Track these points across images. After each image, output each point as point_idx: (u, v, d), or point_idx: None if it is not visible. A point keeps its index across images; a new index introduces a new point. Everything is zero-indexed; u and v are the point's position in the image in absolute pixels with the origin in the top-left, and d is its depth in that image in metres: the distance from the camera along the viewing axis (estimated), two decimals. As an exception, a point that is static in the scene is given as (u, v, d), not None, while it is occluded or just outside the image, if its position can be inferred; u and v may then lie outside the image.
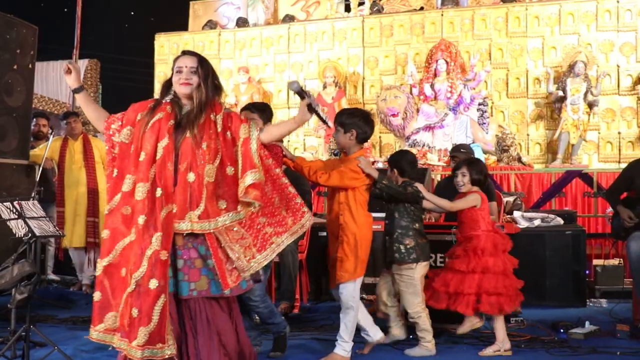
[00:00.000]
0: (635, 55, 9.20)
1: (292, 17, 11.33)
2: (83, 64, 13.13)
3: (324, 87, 10.11)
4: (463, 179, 4.24)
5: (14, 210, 3.79)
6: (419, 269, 4.09)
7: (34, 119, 6.76)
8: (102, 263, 2.92)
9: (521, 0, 10.02)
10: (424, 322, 4.08)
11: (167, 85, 3.16)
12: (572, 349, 4.09)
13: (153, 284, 2.79)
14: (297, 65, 10.82)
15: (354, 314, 3.87)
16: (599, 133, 9.21)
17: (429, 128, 9.16)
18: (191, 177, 2.95)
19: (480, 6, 10.28)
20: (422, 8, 10.96)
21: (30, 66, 6.32)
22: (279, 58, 10.98)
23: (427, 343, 4.06)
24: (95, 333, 2.93)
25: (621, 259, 5.72)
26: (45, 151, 5.78)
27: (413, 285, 4.07)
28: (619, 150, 9.11)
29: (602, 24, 9.35)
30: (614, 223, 4.98)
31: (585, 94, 8.80)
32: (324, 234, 6.07)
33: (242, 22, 11.48)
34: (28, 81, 6.35)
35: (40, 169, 5.56)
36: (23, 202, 3.86)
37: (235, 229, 3.02)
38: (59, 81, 13.29)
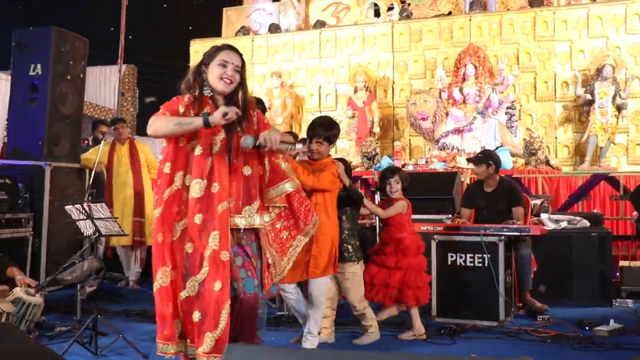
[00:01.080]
0: (664, 58, 9.30)
1: (322, 22, 11.62)
2: (121, 69, 13.60)
3: (355, 91, 10.38)
4: (397, 186, 4.72)
5: (83, 212, 4.15)
6: (361, 266, 4.54)
7: (96, 126, 7.14)
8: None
9: (549, 5, 10.19)
10: (370, 312, 4.50)
11: (200, 72, 3.05)
12: (596, 345, 4.32)
13: (217, 286, 2.79)
14: (328, 70, 11.12)
15: (322, 310, 4.20)
16: (628, 136, 9.33)
17: (457, 131, 9.37)
18: (247, 170, 2.97)
19: (508, 11, 10.46)
20: (450, 13, 11.18)
21: (81, 76, 6.76)
22: (311, 63, 11.27)
23: (374, 330, 4.50)
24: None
25: (646, 261, 5.90)
26: (97, 155, 6.15)
27: (357, 281, 4.47)
28: (649, 153, 9.23)
29: (631, 27, 9.46)
30: (638, 225, 5.20)
31: (614, 97, 8.92)
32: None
33: (274, 28, 11.80)
34: (79, 90, 6.78)
35: (93, 172, 5.93)
36: (92, 204, 4.22)
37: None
38: (98, 86, 13.80)
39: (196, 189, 2.88)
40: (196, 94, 3.03)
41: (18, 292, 4.18)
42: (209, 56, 3.06)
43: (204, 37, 12.18)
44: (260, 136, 2.96)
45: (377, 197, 5.46)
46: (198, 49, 11.98)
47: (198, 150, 2.93)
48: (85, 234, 4.35)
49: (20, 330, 2.23)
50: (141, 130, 13.64)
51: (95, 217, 4.16)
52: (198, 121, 2.88)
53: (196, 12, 14.27)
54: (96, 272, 3.82)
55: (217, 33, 12.70)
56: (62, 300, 5.46)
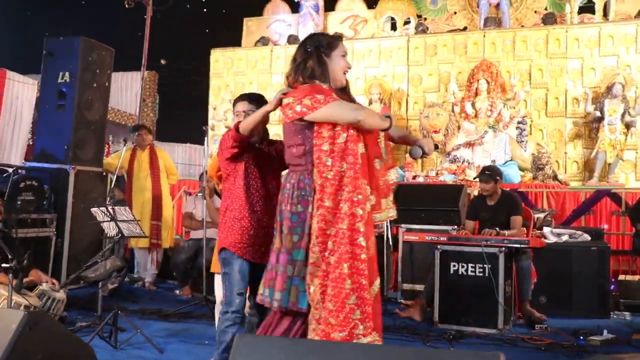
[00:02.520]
0: (674, 77, 9.45)
1: (340, 34, 11.89)
2: (143, 76, 13.98)
3: (370, 103, 10.61)
4: None
5: (108, 214, 4.45)
6: None
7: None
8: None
9: (562, 23, 10.39)
10: None
11: (323, 61, 3.00)
12: (587, 353, 4.51)
13: (377, 284, 2.87)
14: (344, 82, 11.36)
15: None
16: (637, 152, 9.48)
17: (469, 145, 9.59)
18: (378, 163, 2.97)
19: (521, 28, 10.68)
20: (465, 28, 11.42)
21: (107, 84, 7.08)
22: (328, 74, 11.53)
23: None
24: None
25: (644, 275, 6.08)
26: (119, 160, 6.47)
27: None
28: (659, 169, 9.37)
29: (642, 46, 9.64)
30: (635, 240, 5.40)
31: (623, 115, 9.09)
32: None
33: (292, 39, 12.08)
34: (104, 97, 7.11)
35: (115, 176, 6.23)
36: (116, 207, 4.52)
37: None
38: (120, 91, 14.18)
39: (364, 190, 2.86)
40: (326, 86, 2.97)
41: (44, 286, 4.48)
42: (328, 45, 3.03)
43: (224, 46, 12.53)
44: (426, 145, 3.14)
45: None
46: (218, 57, 12.31)
47: (362, 148, 2.91)
48: (108, 235, 4.65)
49: (53, 319, 2.51)
50: (161, 136, 13.99)
51: (119, 219, 4.46)
52: (385, 122, 2.93)
53: (217, 22, 14.62)
54: (118, 270, 4.11)
55: (237, 42, 13.02)
56: (82, 298, 5.76)
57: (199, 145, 14.15)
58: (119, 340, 4.19)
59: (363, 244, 2.79)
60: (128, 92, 13.98)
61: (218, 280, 3.84)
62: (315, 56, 3.02)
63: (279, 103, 3.05)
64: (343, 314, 2.71)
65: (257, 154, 3.45)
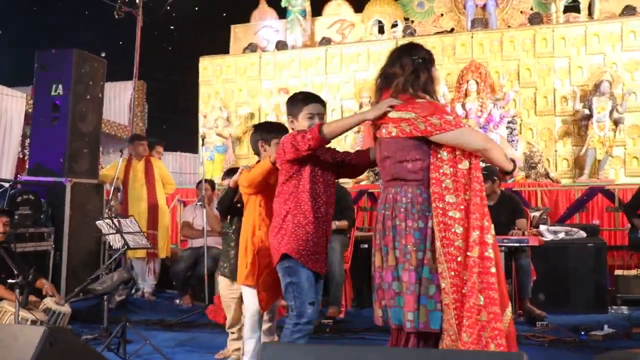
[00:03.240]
0: (660, 73, 9.59)
1: (328, 39, 11.95)
2: (130, 85, 13.95)
3: (360, 106, 10.66)
4: None
5: (114, 226, 4.46)
6: None
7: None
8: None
9: (548, 22, 10.51)
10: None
11: (433, 77, 3.00)
12: (590, 348, 4.60)
13: (509, 312, 2.87)
14: (334, 86, 11.43)
15: None
16: (625, 149, 9.60)
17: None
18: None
19: (508, 28, 10.79)
20: (452, 30, 11.51)
21: (100, 95, 7.09)
22: (317, 79, 11.59)
23: None
24: None
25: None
26: (115, 171, 6.47)
27: None
28: (645, 165, 9.50)
29: (627, 44, 9.75)
30: (631, 236, 5.48)
31: (611, 112, 9.21)
32: (366, 245, 6.70)
33: (281, 45, 12.12)
34: (98, 109, 7.11)
35: (113, 187, 6.23)
36: (122, 219, 4.53)
37: None
38: (109, 102, 14.12)
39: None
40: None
41: (48, 302, 4.48)
42: (431, 59, 3.02)
43: (212, 53, 12.54)
44: None
45: None
46: (207, 65, 12.32)
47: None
48: (114, 247, 4.66)
49: (71, 333, 2.52)
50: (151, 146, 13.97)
51: (125, 231, 4.47)
52: (510, 164, 2.91)
53: (205, 29, 14.62)
54: (125, 282, 4.12)
55: (225, 50, 13.04)
56: (83, 310, 5.76)
57: (189, 154, 14.18)
58: (128, 352, 4.20)
59: (493, 271, 2.78)
60: (117, 102, 13.94)
61: (247, 292, 3.77)
62: (425, 69, 2.99)
63: (384, 114, 2.96)
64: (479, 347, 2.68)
65: (319, 158, 3.32)
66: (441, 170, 2.83)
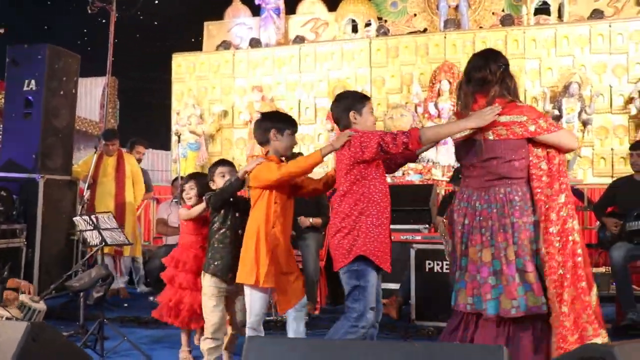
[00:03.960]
0: (626, 76, 9.81)
1: (302, 38, 11.98)
2: (102, 81, 13.79)
3: (334, 105, 10.71)
4: (190, 192, 4.37)
5: (91, 222, 4.43)
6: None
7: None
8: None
9: (519, 24, 10.69)
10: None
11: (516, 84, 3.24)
12: (562, 343, 4.69)
13: (595, 291, 3.19)
14: (308, 85, 11.46)
15: None
16: (593, 149, 9.82)
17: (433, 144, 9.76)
18: None
19: (480, 29, 10.95)
20: (425, 30, 11.64)
21: (73, 91, 7.01)
22: (291, 77, 11.61)
23: None
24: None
25: (608, 267, 6.31)
26: (88, 167, 6.38)
27: None
28: (612, 165, 9.71)
29: (595, 47, 9.98)
30: (600, 234, 5.62)
31: (580, 113, 9.41)
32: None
33: (254, 42, 12.11)
34: (71, 104, 7.03)
35: (87, 184, 6.16)
36: (99, 216, 4.49)
37: None
38: (79, 98, 13.94)
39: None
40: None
41: (24, 298, 4.43)
42: (508, 63, 3.23)
43: (185, 50, 12.48)
44: None
45: None
46: (180, 62, 12.26)
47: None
48: (91, 244, 4.62)
49: (54, 329, 2.52)
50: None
51: (102, 227, 4.45)
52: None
53: (178, 26, 14.52)
54: (103, 279, 4.10)
55: (198, 47, 12.98)
56: (56, 307, 5.69)
57: (161, 151, 14.05)
58: (105, 349, 4.18)
59: (580, 251, 3.13)
60: (88, 98, 13.78)
61: (252, 293, 3.59)
62: (510, 75, 3.21)
63: (491, 120, 3.10)
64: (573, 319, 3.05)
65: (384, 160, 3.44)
66: (539, 166, 3.14)
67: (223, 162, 4.13)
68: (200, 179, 4.36)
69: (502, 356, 1.91)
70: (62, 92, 6.80)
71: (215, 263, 3.86)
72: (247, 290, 3.59)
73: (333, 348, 2.04)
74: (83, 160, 7.27)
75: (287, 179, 3.49)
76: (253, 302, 3.56)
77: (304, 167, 3.42)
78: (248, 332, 3.60)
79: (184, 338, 4.35)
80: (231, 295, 3.94)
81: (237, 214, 3.90)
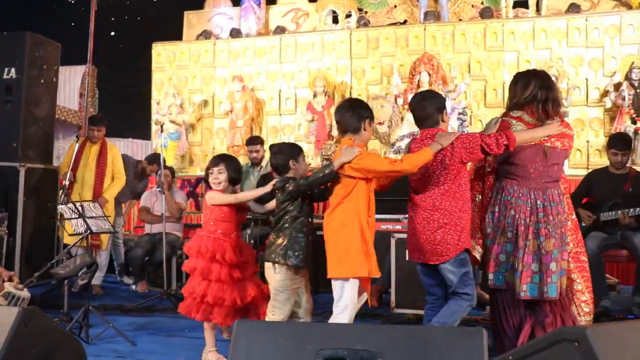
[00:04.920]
0: (602, 69, 9.97)
1: (283, 28, 11.98)
2: (81, 70, 13.69)
3: (314, 95, 10.77)
4: (220, 176, 4.21)
5: (76, 210, 4.45)
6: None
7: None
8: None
9: (498, 17, 10.81)
10: None
11: None
12: (537, 330, 4.83)
13: None
14: (288, 75, 11.49)
15: None
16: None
17: (412, 135, 9.85)
18: None
19: (460, 21, 11.05)
20: (405, 21, 11.72)
21: (54, 80, 6.97)
22: (272, 67, 11.63)
23: None
24: None
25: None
26: (72, 156, 6.36)
27: None
28: (588, 157, 9.89)
29: (572, 40, 10.13)
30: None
31: (557, 105, 9.55)
32: (321, 233, 6.83)
33: (235, 33, 12.09)
34: (52, 93, 7.00)
35: (69, 173, 6.15)
36: (85, 204, 4.51)
37: None
38: (59, 86, 13.82)
39: None
40: None
41: (8, 286, 4.43)
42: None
43: (165, 39, 12.41)
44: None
45: None
46: (160, 52, 12.19)
47: None
48: (76, 232, 4.64)
49: (45, 315, 2.56)
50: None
51: (87, 215, 4.47)
52: None
53: (157, 15, 14.44)
54: (88, 266, 4.13)
55: (179, 36, 12.92)
56: (37, 296, 5.70)
57: (141, 140, 14.02)
58: (90, 336, 4.22)
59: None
60: (67, 87, 13.65)
61: (348, 284, 3.60)
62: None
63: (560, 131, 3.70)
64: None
65: None
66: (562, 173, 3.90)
67: (298, 147, 4.07)
68: (230, 162, 4.24)
69: (481, 338, 2.00)
70: (42, 81, 6.77)
71: (296, 254, 3.74)
72: (342, 283, 3.56)
73: (321, 332, 2.11)
74: (67, 153, 7.20)
75: (398, 174, 3.66)
76: (353, 294, 3.57)
77: (416, 164, 3.58)
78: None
79: (211, 336, 4.14)
80: (299, 288, 3.86)
81: (306, 202, 3.87)
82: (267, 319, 3.71)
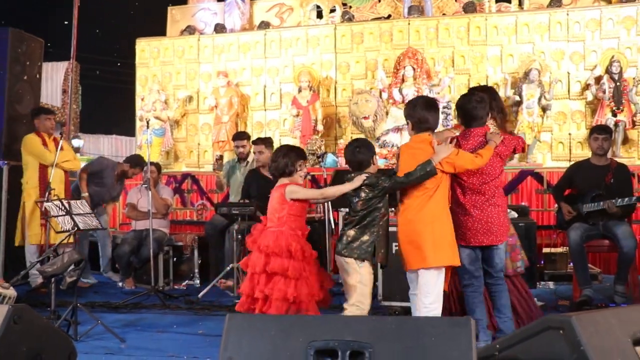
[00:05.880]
0: (583, 63, 10.07)
1: (267, 23, 11.97)
2: (63, 66, 13.60)
3: (299, 90, 10.78)
4: (305, 169, 4.21)
5: (63, 208, 4.44)
6: None
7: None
8: None
9: (481, 11, 10.88)
10: None
11: None
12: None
13: None
14: (273, 70, 11.49)
15: None
16: (552, 134, 10.09)
17: (397, 129, 9.93)
18: None
19: (444, 16, 11.10)
20: (389, 16, 11.75)
21: (37, 76, 6.94)
22: (256, 63, 11.62)
23: None
24: None
25: (566, 247, 6.57)
26: (55, 155, 6.29)
27: None
28: (570, 149, 9.99)
29: (554, 34, 10.22)
30: (558, 216, 5.84)
31: (539, 99, 9.65)
32: (309, 227, 6.86)
33: (220, 28, 12.06)
34: (35, 90, 6.96)
35: (53, 170, 6.09)
36: (72, 201, 4.50)
37: None
38: (43, 83, 13.73)
39: None
40: None
41: (-6, 285, 4.43)
42: None
43: (149, 35, 12.35)
44: None
45: None
46: (144, 47, 12.14)
47: None
48: (63, 229, 4.63)
49: (35, 312, 2.56)
50: (85, 128, 13.68)
51: (74, 212, 4.46)
52: None
53: (141, 11, 14.37)
54: (76, 263, 4.12)
55: (162, 32, 12.86)
56: (22, 295, 5.68)
57: (125, 137, 13.96)
58: (79, 333, 4.22)
59: None
60: (49, 83, 13.56)
61: (433, 274, 3.81)
62: None
63: None
64: None
65: None
66: None
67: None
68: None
69: (469, 327, 2.04)
70: (25, 77, 6.73)
71: (382, 251, 3.92)
72: (436, 274, 3.76)
73: (312, 324, 2.14)
74: (36, 151, 6.49)
75: (477, 168, 3.96)
76: (440, 283, 3.80)
77: (486, 161, 3.93)
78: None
79: None
80: None
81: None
82: (350, 313, 3.75)
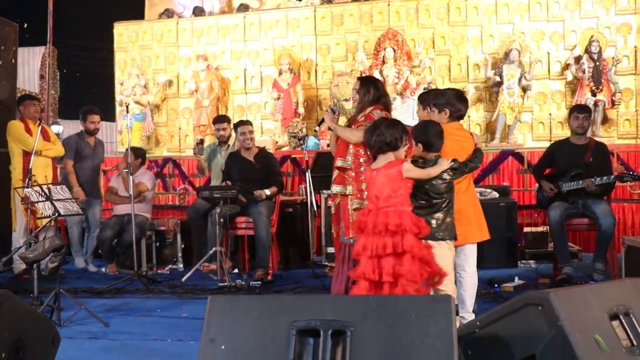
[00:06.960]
0: (563, 43, 10.11)
1: (246, 5, 11.86)
2: (40, 51, 13.40)
3: (280, 73, 10.72)
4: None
5: (43, 194, 4.40)
6: None
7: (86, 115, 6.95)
8: None
9: (461, -9, 10.86)
10: None
11: None
12: (503, 298, 4.99)
13: None
14: (253, 53, 11.41)
15: None
16: (532, 114, 10.15)
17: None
18: None
19: (424, -3, 11.08)
20: (370, -3, 11.70)
21: (13, 61, 6.84)
22: (236, 46, 11.53)
23: None
24: None
25: (546, 226, 6.64)
26: (35, 141, 6.19)
27: None
28: (550, 130, 10.06)
29: (534, 14, 10.24)
30: (539, 195, 5.90)
31: (520, 79, 9.69)
32: (291, 209, 6.89)
33: (198, 11, 11.94)
34: (12, 75, 6.87)
35: (32, 156, 6.01)
36: (52, 187, 4.46)
37: None
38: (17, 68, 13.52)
39: None
40: None
41: (-26, 272, 4.40)
42: None
43: (127, 19, 12.20)
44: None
45: None
46: (122, 31, 11.98)
47: None
48: (44, 215, 4.59)
49: (17, 298, 2.55)
50: (64, 113, 13.51)
51: (55, 198, 4.42)
52: None
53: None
54: (57, 249, 4.10)
55: (140, 16, 12.71)
56: (4, 282, 5.65)
57: (105, 122, 13.78)
58: (62, 319, 4.21)
59: None
60: (26, 68, 13.36)
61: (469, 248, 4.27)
62: None
63: None
64: None
65: None
66: None
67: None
68: None
69: (449, 305, 2.07)
70: (1, 63, 6.63)
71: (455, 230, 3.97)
72: (475, 248, 4.28)
73: (294, 304, 2.16)
74: (19, 136, 6.49)
75: None
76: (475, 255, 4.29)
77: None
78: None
79: None
80: None
81: None
82: (447, 292, 3.74)
